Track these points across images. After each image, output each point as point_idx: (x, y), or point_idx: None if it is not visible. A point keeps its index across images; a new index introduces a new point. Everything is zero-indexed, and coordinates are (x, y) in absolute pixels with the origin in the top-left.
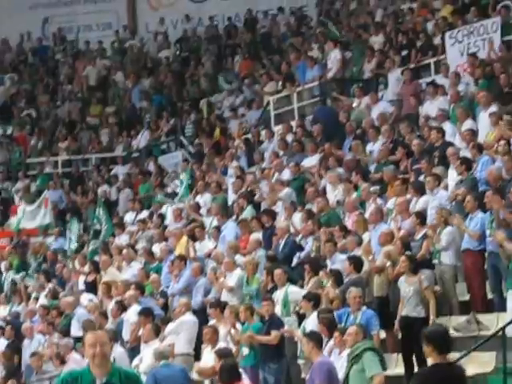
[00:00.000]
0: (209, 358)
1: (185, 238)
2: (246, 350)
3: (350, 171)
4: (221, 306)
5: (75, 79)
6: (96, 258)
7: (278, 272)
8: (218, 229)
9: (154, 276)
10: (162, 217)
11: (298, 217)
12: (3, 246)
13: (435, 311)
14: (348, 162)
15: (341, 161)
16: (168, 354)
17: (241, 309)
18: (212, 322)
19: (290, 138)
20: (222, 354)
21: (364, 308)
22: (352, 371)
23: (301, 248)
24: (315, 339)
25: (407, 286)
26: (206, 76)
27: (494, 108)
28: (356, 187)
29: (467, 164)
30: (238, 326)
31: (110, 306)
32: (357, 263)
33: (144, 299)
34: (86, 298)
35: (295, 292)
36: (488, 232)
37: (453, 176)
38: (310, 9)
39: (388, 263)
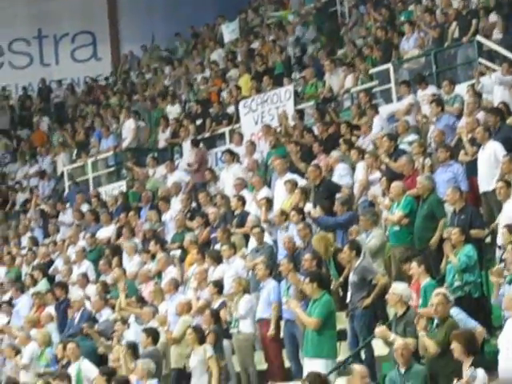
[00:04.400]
0: None
1: None
2: None
3: (148, 241)
4: None
5: None
6: None
7: (70, 346)
8: (11, 303)
9: None
10: None
11: (93, 289)
12: None
13: (218, 381)
14: (145, 232)
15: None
16: None
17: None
18: None
19: (85, 208)
20: None
21: None
22: None
23: (96, 320)
24: None
25: (194, 357)
26: None
27: (288, 176)
28: (153, 257)
29: (264, 232)
30: None
31: None
32: (153, 335)
33: None
34: None
35: (89, 369)
36: (284, 300)
37: (253, 244)
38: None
39: (188, 333)
